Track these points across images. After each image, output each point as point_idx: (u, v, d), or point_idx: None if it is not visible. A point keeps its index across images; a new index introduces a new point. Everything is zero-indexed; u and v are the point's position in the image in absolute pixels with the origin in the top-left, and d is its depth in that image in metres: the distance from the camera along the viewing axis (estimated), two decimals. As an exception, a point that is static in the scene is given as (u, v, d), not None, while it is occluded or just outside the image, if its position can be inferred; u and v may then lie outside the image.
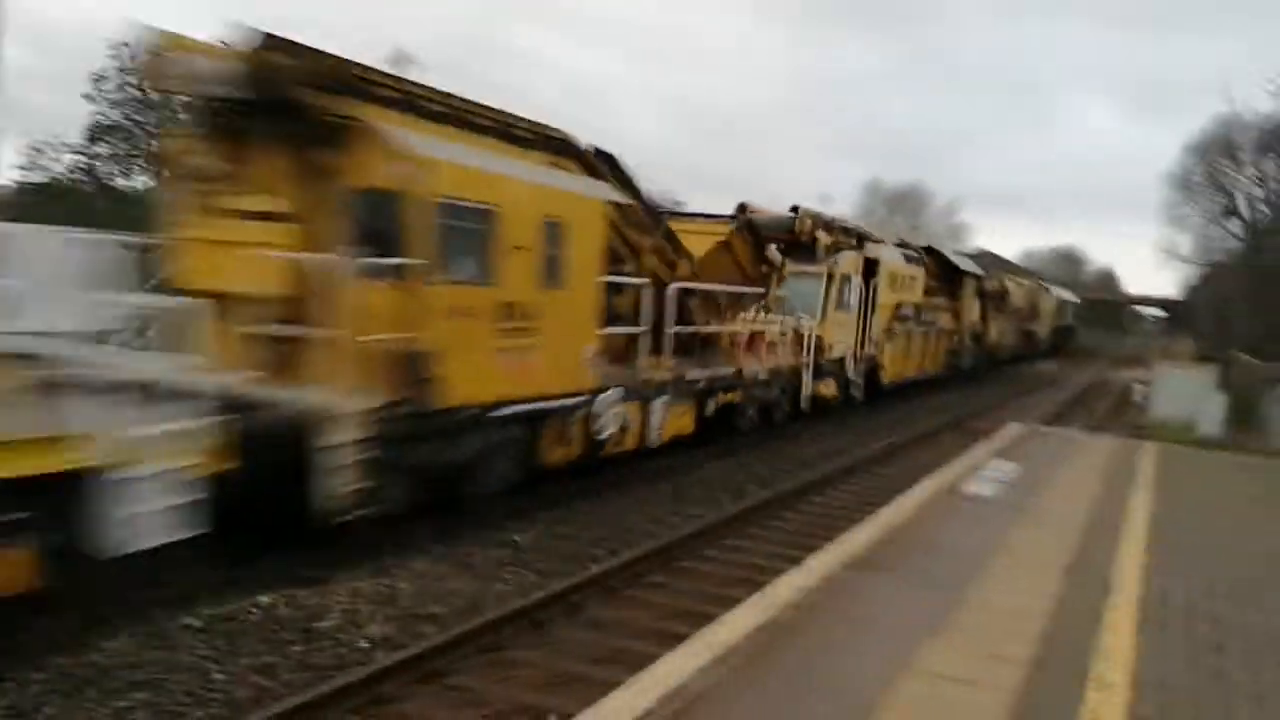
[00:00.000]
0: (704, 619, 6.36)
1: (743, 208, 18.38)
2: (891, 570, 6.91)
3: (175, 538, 6.60)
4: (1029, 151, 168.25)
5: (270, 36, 8.54)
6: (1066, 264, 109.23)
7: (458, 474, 9.82)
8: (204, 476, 6.81)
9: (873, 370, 22.25)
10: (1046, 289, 52.22)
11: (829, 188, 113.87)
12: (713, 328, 15.14)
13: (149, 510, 6.43)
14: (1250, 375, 24.93)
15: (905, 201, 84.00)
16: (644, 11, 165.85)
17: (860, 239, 21.98)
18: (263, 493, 7.71)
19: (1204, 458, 14.25)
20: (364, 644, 6.98)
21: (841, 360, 20.17)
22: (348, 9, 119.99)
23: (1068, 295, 62.06)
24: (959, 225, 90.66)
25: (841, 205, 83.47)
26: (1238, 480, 12.21)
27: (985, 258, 48.09)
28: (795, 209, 19.98)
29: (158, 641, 6.55)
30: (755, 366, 16.06)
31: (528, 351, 10.24)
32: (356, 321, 8.25)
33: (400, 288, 8.72)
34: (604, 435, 11.84)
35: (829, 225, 20.55)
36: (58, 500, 6.04)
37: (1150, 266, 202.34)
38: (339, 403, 7.85)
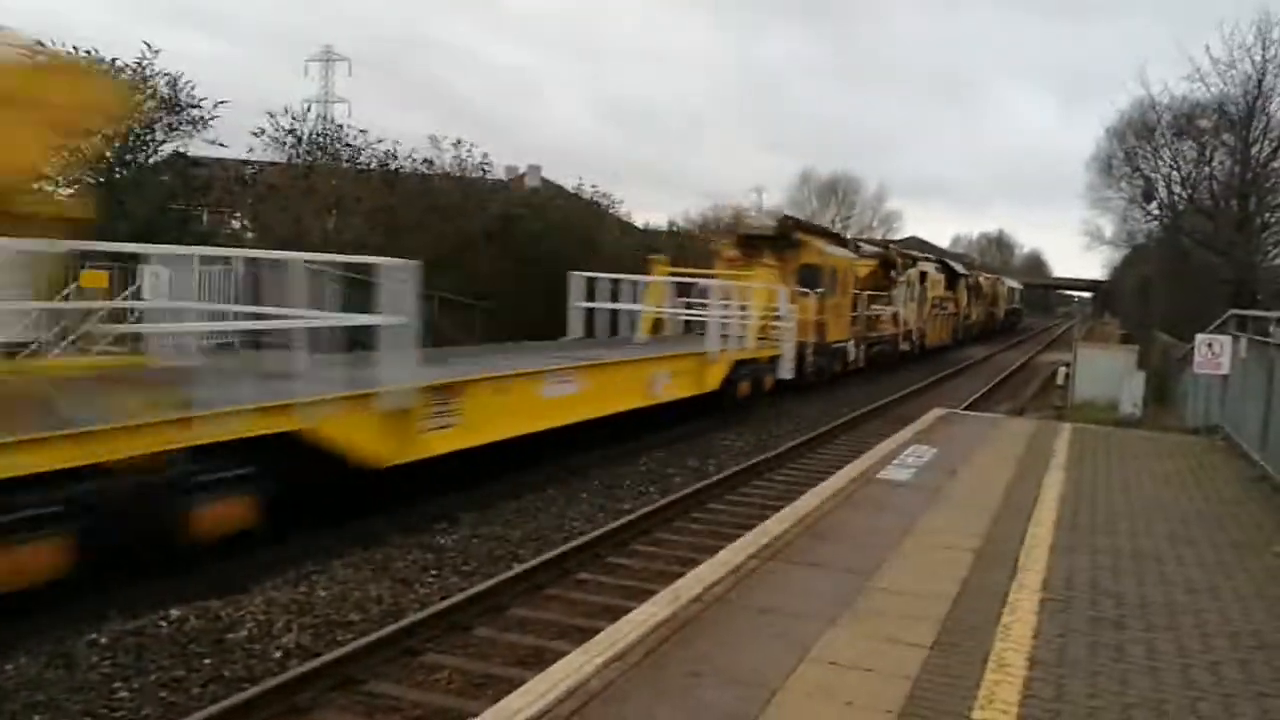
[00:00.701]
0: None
1: (858, 246, 31.78)
2: (800, 560, 6.99)
3: (789, 377, 20.33)
4: (958, 139, 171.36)
5: (786, 216, 28.69)
6: (996, 249, 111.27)
7: (824, 367, 23.73)
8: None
9: (922, 337, 36.31)
10: (1002, 280, 68.41)
11: (761, 179, 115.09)
12: (869, 312, 28.28)
13: (786, 369, 20.00)
14: (1167, 354, 25.63)
15: (836, 191, 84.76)
16: (574, 6, 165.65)
17: (914, 259, 36.32)
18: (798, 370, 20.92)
19: (1120, 437, 14.58)
20: (278, 654, 6.89)
21: (910, 331, 34.13)
22: (282, 6, 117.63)
23: (1015, 284, 79.48)
24: (889, 213, 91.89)
25: (776, 197, 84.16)
26: (1150, 459, 12.51)
27: (915, 245, 53.72)
28: (887, 245, 37.57)
29: (60, 661, 6.38)
30: (882, 333, 30.25)
31: (836, 322, 24.51)
32: (805, 313, 21.98)
33: (817, 300, 23.20)
34: (850, 359, 26.07)
35: (901, 253, 34.93)
36: (770, 367, 19.85)
37: (1077, 249, 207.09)
38: (808, 341, 22.29)
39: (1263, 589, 7.03)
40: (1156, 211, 36.66)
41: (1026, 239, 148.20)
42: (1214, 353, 13.78)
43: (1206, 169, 33.38)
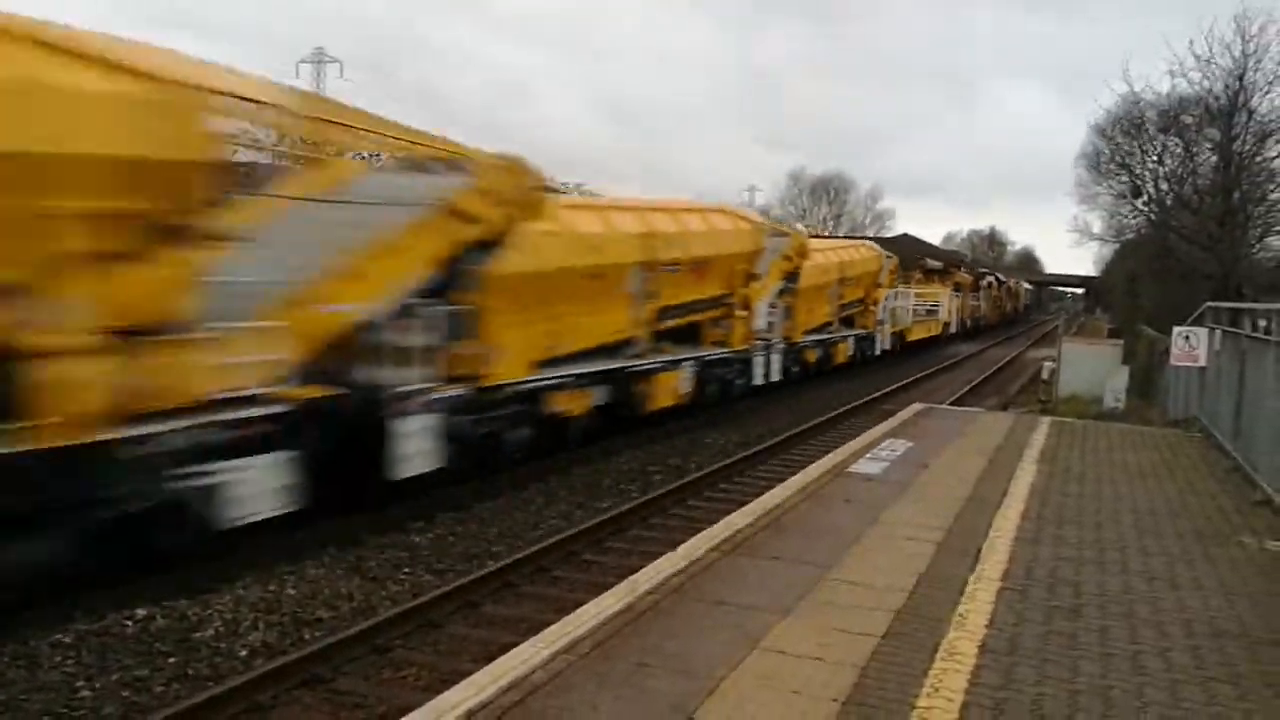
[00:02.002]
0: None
1: (960, 264, 57.14)
2: (761, 553, 7.02)
3: (955, 332, 50.50)
4: (952, 136, 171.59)
5: (946, 261, 56.53)
6: (987, 247, 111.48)
7: (962, 332, 51.71)
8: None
9: (987, 319, 60.98)
10: (1021, 283, 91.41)
11: (761, 177, 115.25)
12: (971, 304, 54.98)
13: (953, 330, 50.30)
14: (1153, 348, 25.67)
15: (827, 190, 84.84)
16: (573, 6, 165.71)
17: (983, 273, 62.25)
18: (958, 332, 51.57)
19: (1100, 431, 14.62)
20: (244, 652, 6.92)
21: (983, 316, 59.76)
22: (271, 8, 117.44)
23: (1028, 285, 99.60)
24: (882, 211, 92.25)
25: (767, 195, 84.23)
26: (1126, 451, 12.55)
27: (906, 242, 58.87)
28: (974, 267, 63.52)
29: (23, 661, 6.41)
30: (976, 317, 56.72)
31: (964, 310, 52.57)
32: (955, 307, 49.29)
33: (959, 299, 50.01)
34: (967, 328, 53.55)
35: (978, 270, 61.56)
36: (947, 330, 48.74)
37: (1069, 246, 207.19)
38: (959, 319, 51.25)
39: (1224, 579, 7.08)
40: (1144, 207, 36.64)
41: (1019, 236, 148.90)
42: (1190, 345, 13.85)
43: (1191, 164, 33.36)
